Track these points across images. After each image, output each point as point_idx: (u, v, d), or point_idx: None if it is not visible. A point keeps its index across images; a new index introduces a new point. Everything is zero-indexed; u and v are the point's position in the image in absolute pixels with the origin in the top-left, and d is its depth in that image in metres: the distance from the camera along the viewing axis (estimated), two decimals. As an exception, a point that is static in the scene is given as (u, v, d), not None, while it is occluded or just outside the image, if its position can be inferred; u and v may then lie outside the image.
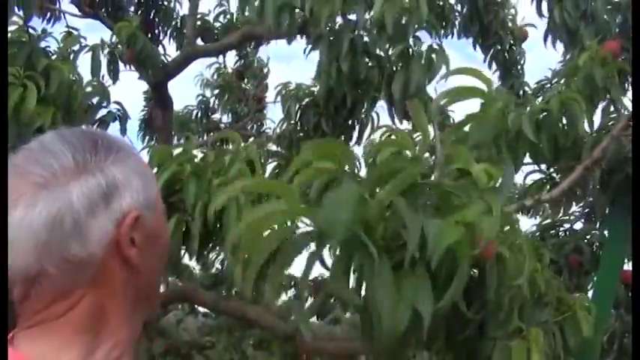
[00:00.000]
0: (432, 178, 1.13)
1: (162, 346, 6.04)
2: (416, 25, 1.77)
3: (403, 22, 1.75)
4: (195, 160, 1.56)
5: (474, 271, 1.21)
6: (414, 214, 0.90)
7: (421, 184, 1.00)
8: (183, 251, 1.62)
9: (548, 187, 1.92)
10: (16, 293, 0.54)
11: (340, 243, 0.87)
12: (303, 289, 0.82)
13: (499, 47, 2.81)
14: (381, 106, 2.02)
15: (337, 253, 0.90)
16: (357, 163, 2.71)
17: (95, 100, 2.20)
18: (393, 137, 1.35)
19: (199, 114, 4.27)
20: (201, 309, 6.84)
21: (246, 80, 4.32)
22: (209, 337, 6.25)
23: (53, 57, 1.95)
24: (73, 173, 0.53)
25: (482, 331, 1.32)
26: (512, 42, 2.85)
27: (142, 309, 0.60)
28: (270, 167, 2.71)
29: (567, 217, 2.53)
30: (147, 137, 3.96)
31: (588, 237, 2.35)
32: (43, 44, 1.93)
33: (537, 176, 2.12)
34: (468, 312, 1.18)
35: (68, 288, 0.54)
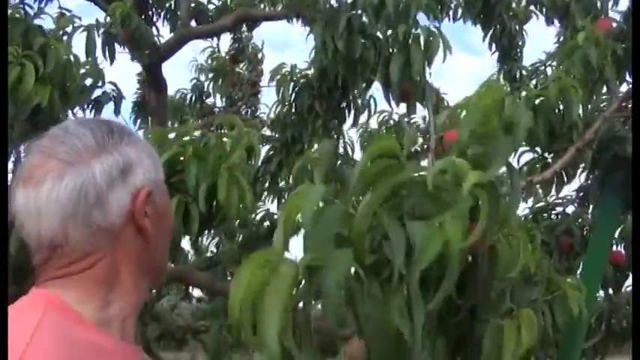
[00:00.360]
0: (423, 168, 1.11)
1: (156, 331, 6.10)
2: (416, 8, 1.76)
3: (403, 3, 1.75)
4: (196, 142, 1.57)
5: (468, 258, 1.22)
6: (396, 225, 0.86)
7: (407, 183, 0.96)
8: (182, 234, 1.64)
9: (540, 168, 1.94)
10: (38, 258, 0.61)
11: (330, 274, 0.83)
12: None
13: (501, 29, 2.78)
14: (377, 88, 2.02)
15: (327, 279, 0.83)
16: (352, 145, 2.74)
17: (90, 80, 2.19)
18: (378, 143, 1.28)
19: (193, 98, 4.26)
20: (195, 294, 6.89)
21: (240, 65, 4.31)
22: (203, 321, 6.31)
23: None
24: (94, 152, 0.60)
25: (473, 314, 1.35)
26: (514, 26, 2.82)
27: (150, 279, 0.66)
28: (263, 151, 2.73)
29: (560, 201, 2.57)
30: (139, 120, 3.94)
31: (580, 220, 2.39)
32: (37, 21, 1.92)
33: (530, 160, 2.14)
34: (459, 298, 1.20)
35: (88, 251, 0.60)
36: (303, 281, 0.80)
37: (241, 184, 1.38)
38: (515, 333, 1.42)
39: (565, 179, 2.05)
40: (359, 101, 2.29)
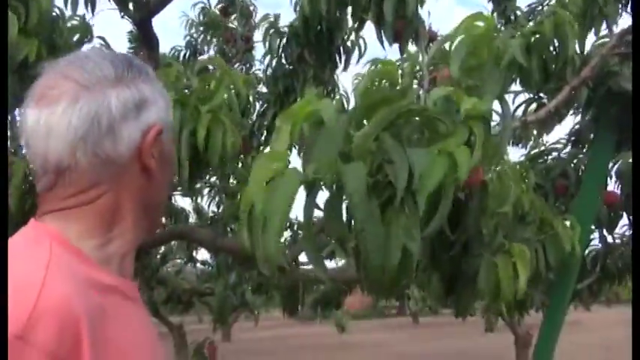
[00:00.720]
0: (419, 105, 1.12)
1: (163, 295, 6.25)
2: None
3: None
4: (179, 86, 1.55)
5: (460, 196, 1.24)
6: (400, 149, 0.89)
7: (406, 112, 0.99)
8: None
9: (535, 109, 1.93)
10: (44, 182, 0.60)
11: (329, 187, 0.87)
12: (307, 233, 0.82)
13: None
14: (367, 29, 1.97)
15: (328, 195, 0.89)
16: (345, 93, 2.71)
17: (77, 35, 2.16)
18: (379, 67, 1.30)
19: (187, 55, 4.19)
20: (199, 257, 7.01)
21: (232, 18, 4.22)
22: (208, 284, 6.46)
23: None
24: (111, 82, 0.60)
25: (466, 250, 1.37)
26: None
27: (148, 221, 0.66)
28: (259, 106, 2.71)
29: (555, 146, 2.57)
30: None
31: (575, 161, 2.39)
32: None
33: (525, 100, 2.12)
34: (452, 234, 1.22)
35: (94, 182, 0.60)
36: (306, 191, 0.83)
37: (225, 125, 1.35)
38: (509, 268, 1.45)
39: (559, 119, 2.03)
40: (348, 43, 2.24)
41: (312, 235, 0.86)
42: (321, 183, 0.88)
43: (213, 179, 4.92)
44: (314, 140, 0.89)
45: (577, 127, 2.41)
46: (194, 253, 6.85)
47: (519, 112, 2.28)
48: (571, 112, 2.03)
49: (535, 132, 2.20)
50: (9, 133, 1.85)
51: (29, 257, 0.55)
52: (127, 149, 0.60)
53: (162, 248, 6.86)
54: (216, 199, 5.22)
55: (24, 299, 0.50)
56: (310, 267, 3.11)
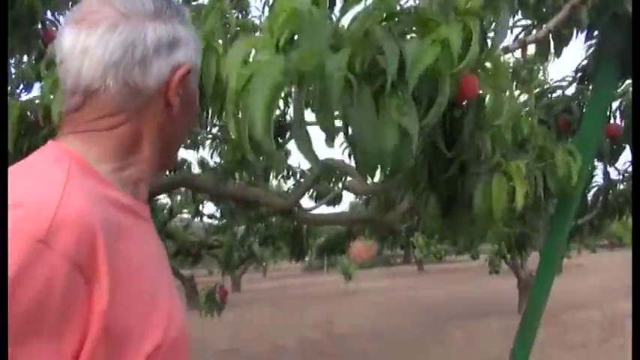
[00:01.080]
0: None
1: (172, 247, 6.38)
2: None
3: None
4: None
5: (456, 113, 1.23)
6: (391, 39, 0.89)
7: (398, 12, 0.99)
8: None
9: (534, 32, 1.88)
10: (72, 102, 0.63)
11: (318, 79, 0.86)
12: (299, 130, 0.82)
13: None
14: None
15: (319, 89, 0.88)
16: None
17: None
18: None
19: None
20: (205, 211, 7.08)
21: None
22: (216, 236, 6.58)
23: None
24: (150, 16, 0.63)
25: (463, 171, 1.37)
26: None
27: (162, 158, 0.68)
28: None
29: (559, 84, 2.52)
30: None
31: (580, 97, 2.35)
32: None
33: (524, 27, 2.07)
34: (449, 152, 1.22)
35: (119, 109, 0.62)
36: (295, 83, 0.83)
37: (218, 54, 1.33)
38: (505, 184, 1.44)
39: (563, 41, 1.98)
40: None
41: (304, 131, 0.86)
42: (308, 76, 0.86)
43: (215, 130, 4.91)
44: (300, 33, 0.88)
45: (583, 63, 2.36)
46: (200, 207, 6.94)
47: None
48: (574, 37, 1.97)
49: (537, 67, 2.14)
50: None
51: (47, 175, 0.56)
52: (155, 82, 0.62)
53: (170, 203, 6.95)
54: (219, 150, 5.23)
55: (44, 209, 0.51)
56: (314, 211, 3.14)
